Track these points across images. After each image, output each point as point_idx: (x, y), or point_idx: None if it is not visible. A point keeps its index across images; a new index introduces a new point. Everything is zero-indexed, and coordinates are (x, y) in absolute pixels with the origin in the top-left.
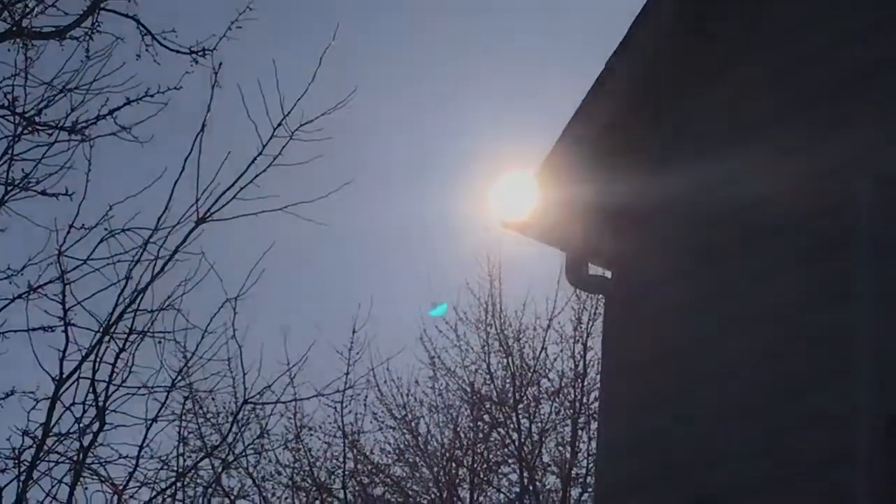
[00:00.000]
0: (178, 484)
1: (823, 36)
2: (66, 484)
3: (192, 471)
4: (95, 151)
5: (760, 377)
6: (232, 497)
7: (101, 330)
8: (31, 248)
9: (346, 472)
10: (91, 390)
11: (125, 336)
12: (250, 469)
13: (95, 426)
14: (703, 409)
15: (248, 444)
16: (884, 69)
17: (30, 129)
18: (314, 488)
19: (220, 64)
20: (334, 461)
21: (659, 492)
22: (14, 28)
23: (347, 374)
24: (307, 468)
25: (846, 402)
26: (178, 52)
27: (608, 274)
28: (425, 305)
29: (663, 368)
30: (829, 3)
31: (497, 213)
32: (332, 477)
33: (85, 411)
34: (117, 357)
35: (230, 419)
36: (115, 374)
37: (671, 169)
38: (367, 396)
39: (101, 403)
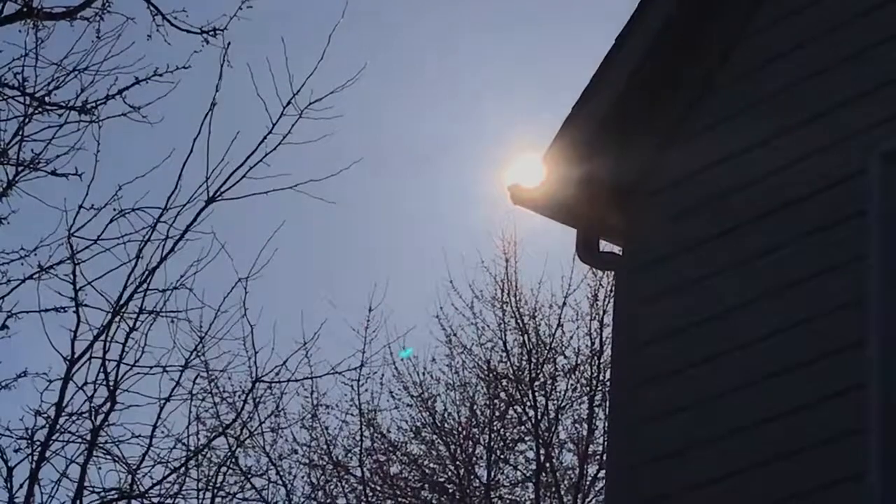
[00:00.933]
0: (193, 462)
1: (832, 11)
2: (77, 463)
3: (206, 448)
4: (105, 132)
5: (770, 353)
6: (248, 476)
7: (112, 310)
8: (42, 229)
9: (363, 451)
10: (102, 370)
11: (136, 316)
12: (266, 448)
13: (107, 406)
14: (713, 385)
15: (262, 422)
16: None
17: (40, 109)
18: (331, 466)
19: (229, 44)
20: (351, 439)
21: (668, 468)
22: (24, 9)
23: (364, 352)
24: (324, 446)
25: (856, 378)
26: (189, 31)
27: (619, 251)
28: (442, 283)
29: (674, 344)
30: None
31: (509, 189)
32: (349, 455)
33: (96, 391)
34: (128, 336)
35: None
36: (124, 354)
37: (681, 144)
38: (383, 374)
39: (111, 383)
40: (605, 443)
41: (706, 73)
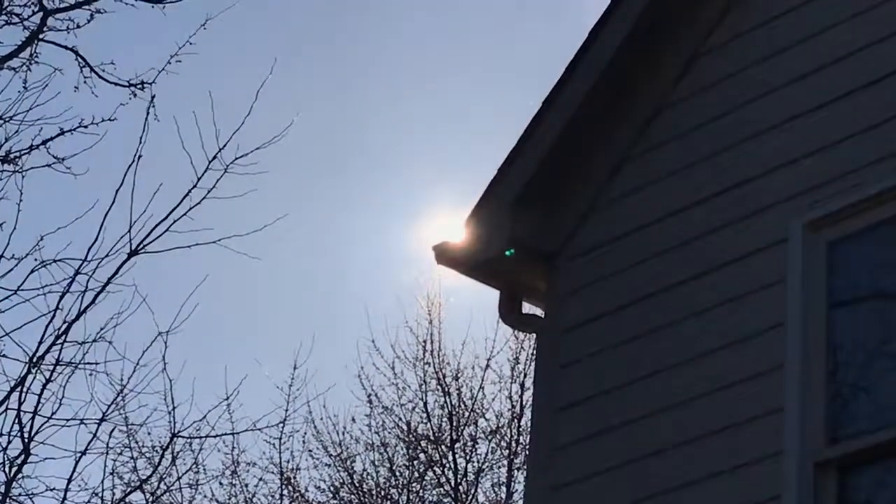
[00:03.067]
0: None
1: (756, 79)
2: None
3: (121, 503)
4: (28, 182)
5: (691, 416)
6: None
7: (29, 361)
8: None
9: None
10: (17, 421)
11: (52, 367)
12: None
13: (20, 458)
14: (631, 450)
15: (179, 477)
16: (825, 108)
17: None
18: None
19: (154, 96)
20: (270, 497)
21: None
22: None
23: (286, 409)
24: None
25: (775, 443)
26: (116, 84)
27: (541, 313)
28: (364, 342)
29: (593, 408)
30: (765, 46)
31: (434, 249)
32: None
33: (10, 442)
34: (43, 388)
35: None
36: (40, 406)
37: (602, 210)
38: (305, 433)
39: (26, 435)
40: None
41: (627, 140)
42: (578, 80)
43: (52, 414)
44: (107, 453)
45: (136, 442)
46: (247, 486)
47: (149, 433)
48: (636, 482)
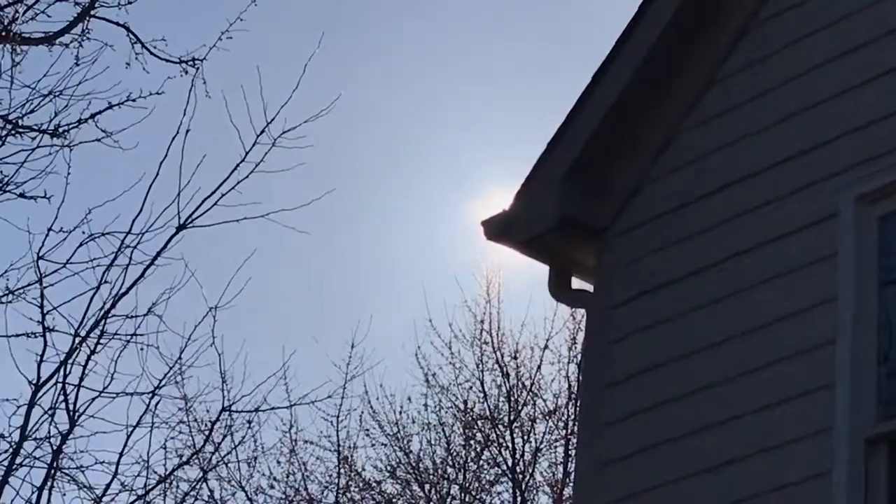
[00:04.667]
0: (159, 490)
1: (805, 55)
2: (32, 485)
3: (171, 476)
4: (79, 157)
5: (740, 392)
6: None
7: (74, 334)
8: (11, 253)
9: (339, 488)
10: (62, 395)
11: (96, 340)
12: (242, 482)
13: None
14: (682, 425)
15: (229, 451)
16: (871, 85)
17: (13, 131)
18: (306, 503)
19: (197, 70)
20: (327, 476)
21: None
22: (3, 33)
23: (344, 387)
24: (300, 482)
25: (825, 419)
26: (167, 60)
27: (591, 288)
28: (420, 321)
29: (643, 383)
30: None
31: (482, 224)
32: (325, 492)
33: (53, 415)
34: (87, 361)
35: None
36: (84, 377)
37: (653, 184)
38: (361, 412)
39: (71, 408)
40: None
41: (677, 115)
42: (628, 56)
43: (104, 388)
44: (151, 429)
45: (193, 417)
46: (304, 464)
47: (208, 410)
48: (685, 458)
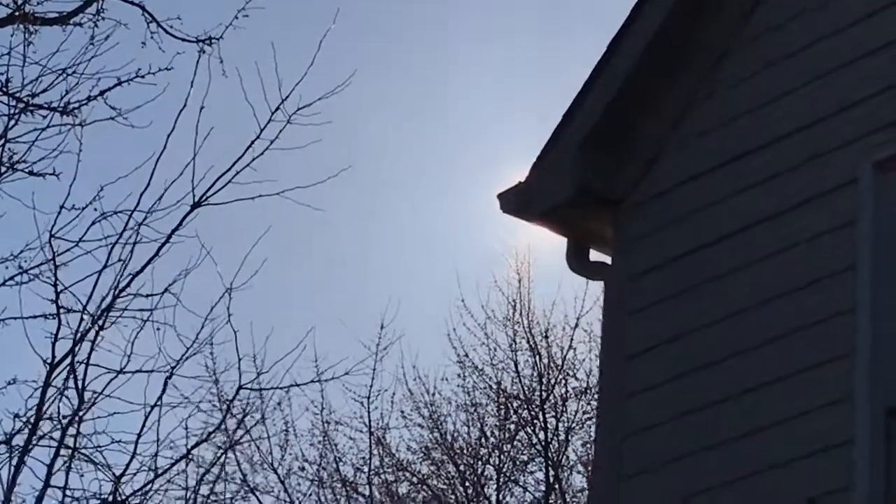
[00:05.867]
0: (178, 469)
1: (821, 21)
2: (43, 464)
3: (188, 455)
4: (92, 137)
5: (760, 361)
6: (258, 494)
7: (90, 314)
8: (25, 233)
9: (372, 469)
10: (72, 374)
11: (103, 319)
12: (275, 465)
13: (82, 411)
14: (702, 396)
15: (246, 431)
16: (887, 49)
17: (25, 110)
18: (340, 485)
19: (220, 58)
20: (360, 457)
21: (652, 482)
22: (17, 13)
23: (374, 368)
24: (333, 464)
25: (846, 388)
26: (184, 40)
27: (609, 260)
28: (454, 303)
29: (662, 355)
30: None
31: (498, 198)
32: (358, 474)
33: (63, 395)
34: (95, 339)
35: (244, 406)
36: (91, 355)
37: (670, 154)
38: (394, 393)
39: (81, 386)
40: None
41: (694, 84)
42: (643, 24)
43: (122, 368)
44: (159, 407)
45: (219, 396)
46: (336, 445)
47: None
48: (705, 428)
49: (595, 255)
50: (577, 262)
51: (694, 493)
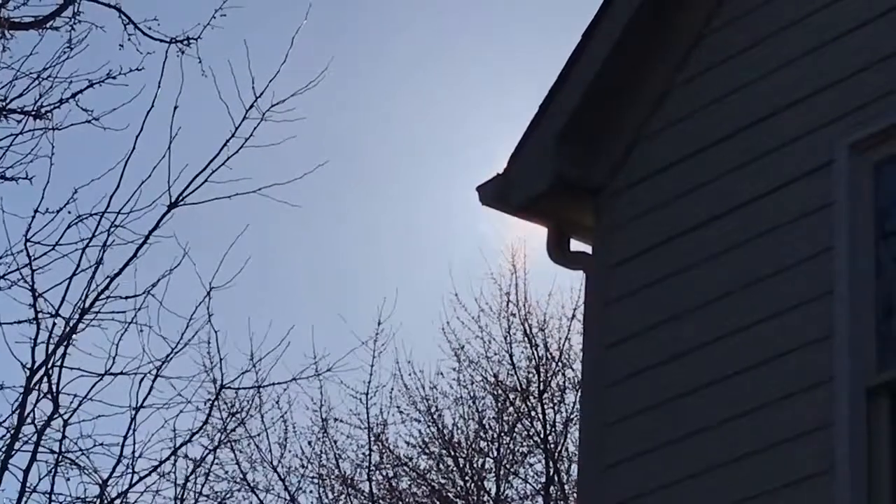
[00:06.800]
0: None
1: (792, 5)
2: (19, 468)
3: (173, 456)
4: (69, 141)
5: (740, 347)
6: (258, 492)
7: (64, 317)
8: (2, 238)
9: (371, 465)
10: (45, 378)
11: (75, 322)
12: (275, 462)
13: (65, 414)
14: (682, 384)
15: (231, 430)
16: (862, 30)
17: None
18: (340, 482)
19: (199, 58)
20: (359, 454)
21: (636, 471)
22: None
23: (372, 364)
24: (333, 461)
25: (825, 370)
26: (161, 41)
27: (589, 250)
28: (448, 296)
29: (642, 343)
30: None
31: (477, 190)
32: (357, 470)
33: (39, 399)
34: (67, 343)
35: (241, 404)
36: (65, 358)
37: (647, 142)
38: (392, 388)
39: (56, 390)
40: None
41: (670, 70)
42: (617, 12)
43: (107, 370)
44: (135, 410)
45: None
46: (335, 442)
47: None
48: (687, 414)
49: (576, 245)
50: (558, 252)
51: (677, 481)
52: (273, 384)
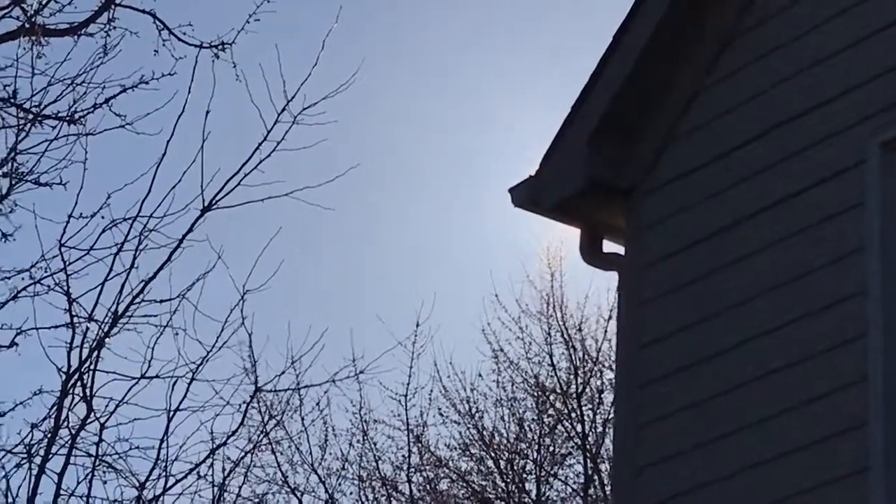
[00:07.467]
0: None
1: (823, 5)
2: (53, 472)
3: (210, 458)
4: (104, 147)
5: (774, 347)
6: (298, 494)
7: (98, 321)
8: (37, 243)
9: (411, 467)
10: (79, 382)
11: (111, 325)
12: (315, 465)
13: (104, 418)
14: (717, 383)
15: (267, 432)
16: (893, 29)
17: (34, 121)
18: (380, 483)
19: (233, 63)
20: (399, 455)
21: (670, 470)
22: (26, 25)
23: (411, 366)
24: (373, 463)
25: (859, 370)
26: (195, 46)
27: (622, 251)
28: (488, 298)
29: (677, 343)
30: None
31: (509, 192)
32: (397, 471)
33: (74, 403)
34: (100, 346)
35: (282, 406)
36: (98, 362)
37: (679, 142)
38: (431, 390)
39: (90, 394)
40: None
41: (701, 70)
42: (648, 14)
43: (143, 374)
44: (168, 412)
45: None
46: (375, 444)
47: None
48: (721, 415)
49: (608, 247)
50: (591, 253)
51: (711, 481)
52: (308, 386)
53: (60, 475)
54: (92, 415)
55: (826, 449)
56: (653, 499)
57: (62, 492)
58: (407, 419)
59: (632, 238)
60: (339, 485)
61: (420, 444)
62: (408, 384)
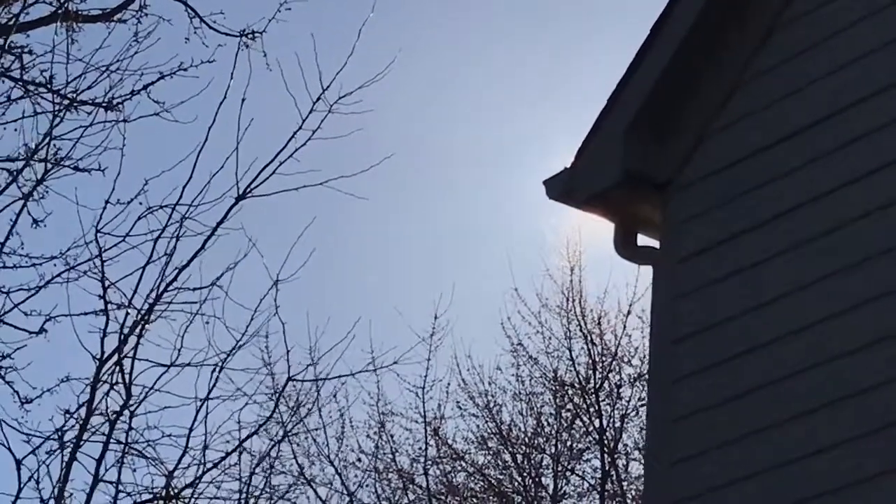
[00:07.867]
0: (228, 462)
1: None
2: (91, 458)
3: (239, 448)
4: (139, 133)
5: (810, 344)
6: (314, 486)
7: (136, 308)
8: (72, 229)
9: (428, 460)
10: (117, 368)
11: (146, 313)
12: (332, 456)
13: (132, 405)
14: (751, 379)
15: (298, 421)
16: None
17: (69, 107)
18: (396, 476)
19: (263, 52)
20: (416, 448)
21: (704, 466)
22: (60, 10)
23: (429, 358)
24: (389, 455)
25: None
26: (227, 34)
27: (657, 244)
28: (508, 291)
29: (711, 338)
30: None
31: (544, 184)
32: (414, 464)
33: (108, 392)
34: (140, 333)
35: (298, 397)
36: (137, 349)
37: (716, 135)
38: (449, 383)
39: (128, 381)
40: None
41: (739, 65)
42: (686, 7)
43: (173, 362)
44: (209, 399)
45: (273, 387)
46: (392, 437)
47: (299, 383)
48: (755, 411)
49: (643, 240)
50: (625, 247)
51: (744, 477)
52: (327, 378)
53: (98, 462)
54: (129, 402)
55: (860, 446)
56: (685, 494)
57: (98, 480)
58: (424, 412)
59: (667, 232)
60: (356, 476)
61: (437, 437)
62: (425, 377)
